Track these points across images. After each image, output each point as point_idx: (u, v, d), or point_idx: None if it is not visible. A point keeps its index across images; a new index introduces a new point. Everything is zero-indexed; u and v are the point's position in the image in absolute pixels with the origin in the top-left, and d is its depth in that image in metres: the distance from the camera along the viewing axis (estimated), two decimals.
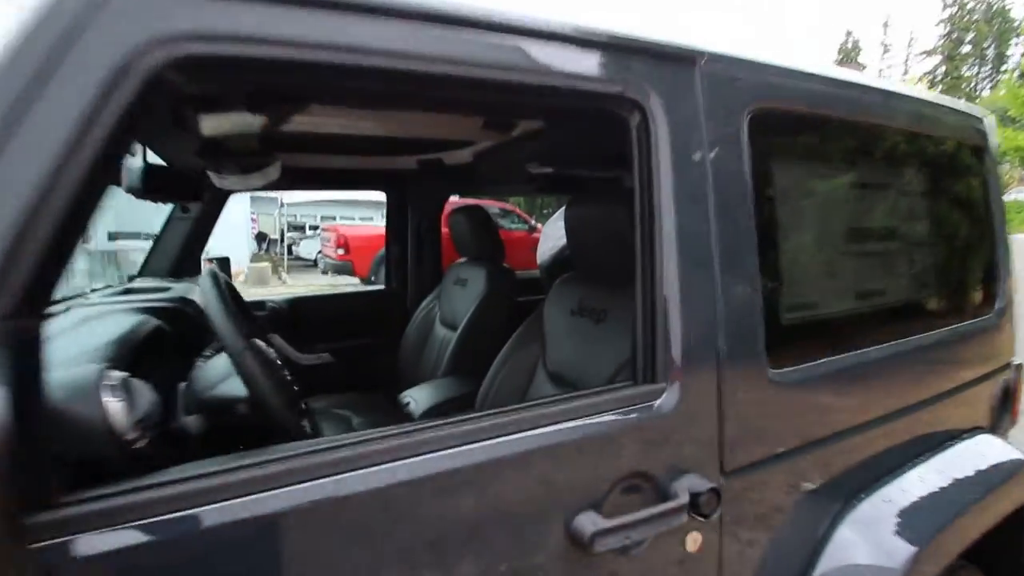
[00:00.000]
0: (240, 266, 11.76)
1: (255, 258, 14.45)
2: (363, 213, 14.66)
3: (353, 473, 0.59)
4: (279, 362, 0.97)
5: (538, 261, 2.74)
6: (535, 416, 0.70)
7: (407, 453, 0.62)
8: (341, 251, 8.12)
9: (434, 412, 1.50)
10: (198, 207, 1.88)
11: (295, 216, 16.97)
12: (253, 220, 16.89)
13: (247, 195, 14.95)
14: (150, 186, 1.30)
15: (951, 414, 1.22)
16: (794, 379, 0.94)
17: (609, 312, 1.25)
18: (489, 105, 1.13)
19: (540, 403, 0.74)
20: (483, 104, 1.16)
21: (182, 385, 0.90)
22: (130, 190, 1.28)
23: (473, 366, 1.83)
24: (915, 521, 0.98)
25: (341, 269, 8.14)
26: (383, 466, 0.60)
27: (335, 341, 2.23)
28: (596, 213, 1.24)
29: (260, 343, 0.96)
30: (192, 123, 0.96)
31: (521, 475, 0.69)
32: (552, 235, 2.75)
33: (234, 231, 13.38)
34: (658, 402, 0.79)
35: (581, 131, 1.33)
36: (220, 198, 1.92)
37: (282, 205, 15.14)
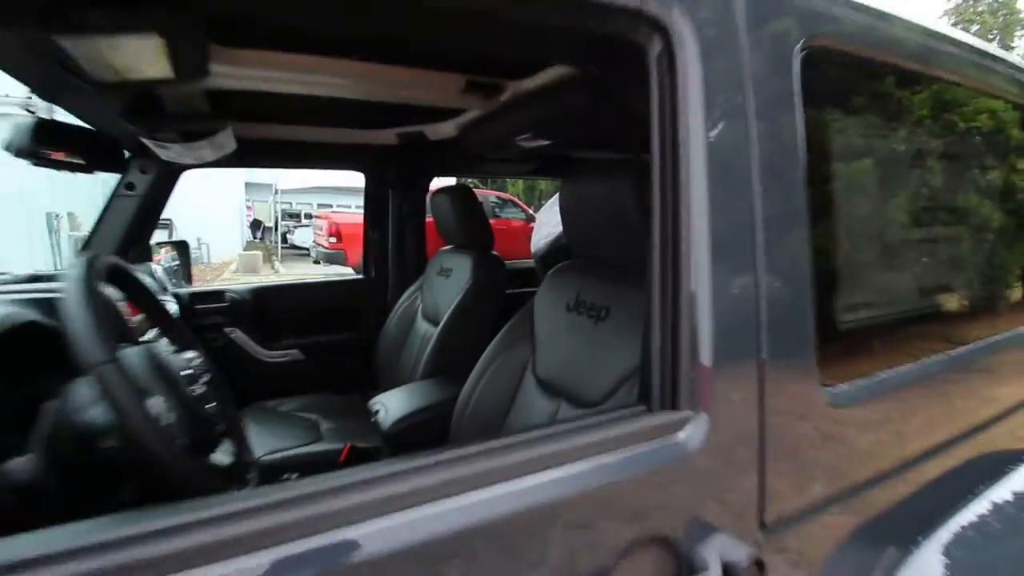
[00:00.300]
0: (233, 254, 11.55)
1: (249, 246, 14.21)
2: (360, 201, 14.31)
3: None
4: (197, 389, 0.76)
5: (532, 250, 2.51)
6: (503, 468, 0.49)
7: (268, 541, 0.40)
8: (333, 239, 7.88)
9: (405, 424, 1.29)
10: (145, 184, 1.65)
11: (290, 204, 16.69)
12: (248, 208, 16.63)
13: (241, 181, 14.79)
14: (41, 146, 1.06)
15: None
16: (854, 396, 0.73)
17: (612, 309, 1.04)
18: (473, 39, 0.90)
19: (513, 443, 0.53)
20: (466, 45, 0.93)
21: (52, 404, 0.69)
22: (14, 150, 1.05)
23: (456, 367, 1.62)
24: None
25: (333, 258, 7.90)
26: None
27: (306, 336, 2.02)
28: (598, 189, 1.03)
29: (164, 357, 0.74)
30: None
31: (481, 552, 0.48)
32: (548, 222, 2.53)
33: (228, 218, 13.16)
34: (680, 436, 0.58)
35: (581, 87, 1.10)
36: (170, 174, 1.70)
37: (276, 192, 14.87)
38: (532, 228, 2.86)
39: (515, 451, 0.51)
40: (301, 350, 1.98)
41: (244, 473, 0.82)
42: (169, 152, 1.45)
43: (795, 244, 0.67)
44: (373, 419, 1.35)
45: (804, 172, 0.67)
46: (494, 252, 1.79)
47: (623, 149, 1.50)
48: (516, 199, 10.22)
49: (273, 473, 1.38)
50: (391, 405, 1.36)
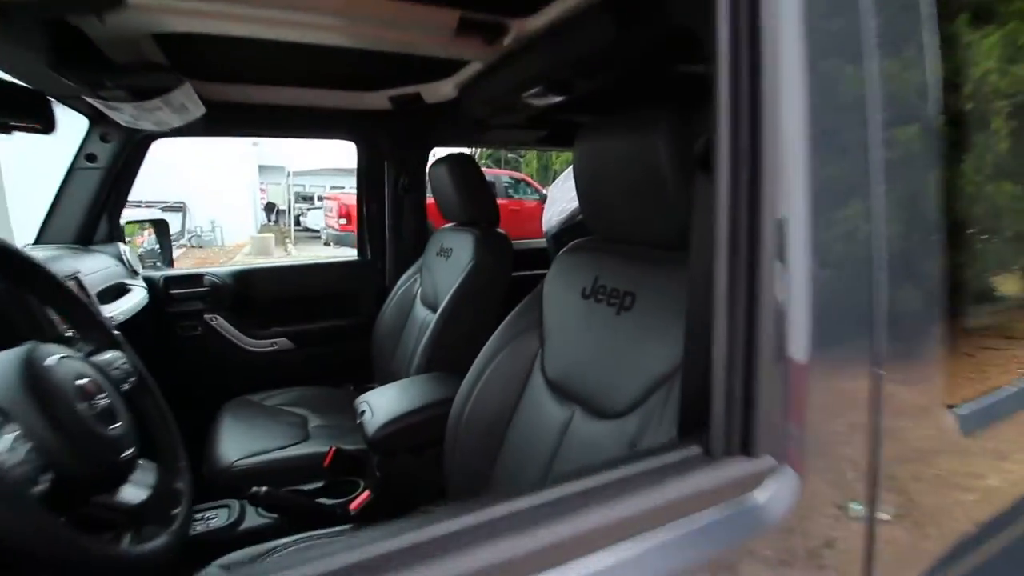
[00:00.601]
0: (247, 237, 11.50)
1: (263, 229, 14.18)
2: None
3: None
4: (98, 403, 0.57)
5: (544, 229, 2.29)
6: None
7: None
8: (343, 221, 7.73)
9: (392, 429, 1.11)
10: (108, 155, 1.47)
11: (303, 186, 16.59)
12: (262, 190, 16.59)
13: (255, 163, 14.69)
14: None
15: None
16: (983, 418, 0.52)
17: (639, 297, 0.83)
18: None
19: (494, 518, 0.33)
20: None
21: None
22: None
23: (454, 360, 1.43)
24: None
25: (343, 240, 7.76)
26: None
27: (295, 323, 1.84)
28: (623, 145, 0.81)
29: (40, 365, 0.55)
30: None
31: None
32: (561, 197, 2.30)
33: (242, 201, 13.12)
34: (759, 497, 0.38)
35: (604, 18, 0.88)
36: (136, 144, 1.51)
37: (289, 175, 14.77)
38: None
39: (499, 536, 0.32)
40: (290, 338, 1.81)
41: (167, 508, 0.64)
42: (123, 115, 1.26)
43: (926, 221, 0.45)
44: (358, 421, 1.17)
45: (937, 119, 0.45)
46: (500, 230, 1.58)
47: (657, 103, 1.26)
48: (530, 179, 9.93)
49: (247, 481, 1.21)
50: (378, 406, 1.18)
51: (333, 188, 14.90)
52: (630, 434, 0.76)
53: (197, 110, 1.36)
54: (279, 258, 9.73)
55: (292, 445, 1.37)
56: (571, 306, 0.96)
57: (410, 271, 1.81)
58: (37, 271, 0.67)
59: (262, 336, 1.77)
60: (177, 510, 0.64)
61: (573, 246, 1.04)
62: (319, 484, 1.27)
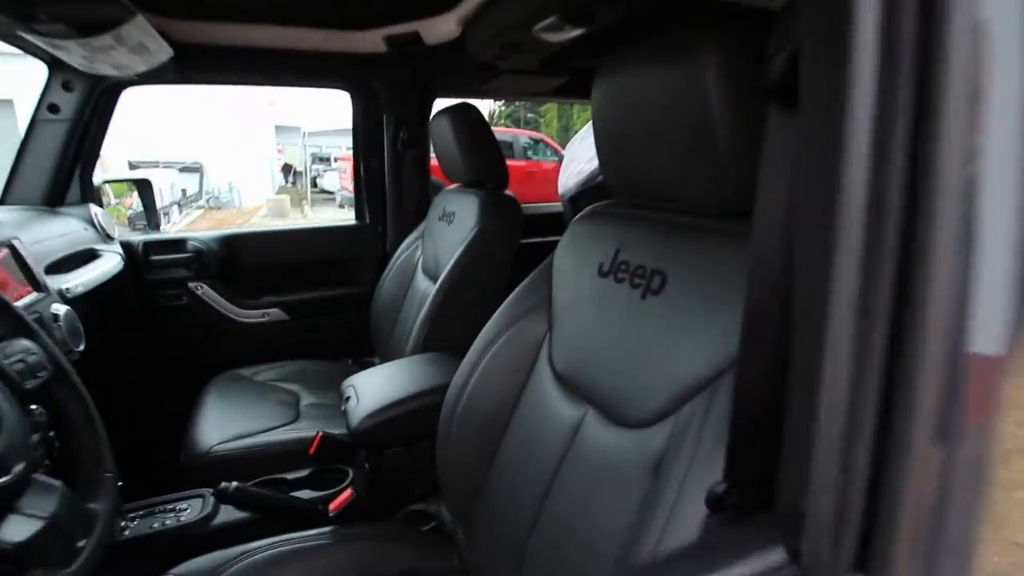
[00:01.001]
0: (264, 199, 11.45)
1: (281, 191, 14.11)
2: None
3: None
4: None
5: (560, 191, 2.08)
6: None
7: None
8: None
9: (377, 420, 0.97)
10: (72, 105, 1.32)
11: (320, 147, 16.39)
12: (279, 151, 16.44)
13: (271, 124, 14.47)
14: None
15: None
16: None
17: (671, 278, 0.65)
18: None
19: None
20: None
21: None
22: None
23: (455, 339, 1.29)
24: None
25: None
26: None
27: (289, 292, 1.71)
28: (657, 79, 0.62)
29: None
30: None
31: None
32: (580, 155, 2.09)
33: (261, 162, 13.03)
34: None
35: None
36: (103, 93, 1.35)
37: (305, 135, 14.56)
38: None
39: None
40: (283, 309, 1.68)
41: (68, 541, 0.51)
42: (74, 56, 1.09)
43: None
44: (343, 408, 1.04)
45: None
46: (508, 192, 1.40)
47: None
48: (550, 140, 9.54)
49: (225, 469, 1.11)
50: (364, 392, 1.04)
51: (349, 149, 14.66)
52: (654, 452, 0.60)
53: (161, 52, 1.19)
54: (294, 220, 9.68)
55: (279, 427, 1.26)
56: (585, 285, 0.79)
57: (411, 237, 1.65)
58: None
59: (253, 306, 1.65)
60: (83, 543, 0.52)
61: (590, 211, 0.86)
62: (304, 472, 1.16)
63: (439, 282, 1.30)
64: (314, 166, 15.10)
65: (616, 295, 0.72)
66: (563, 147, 9.17)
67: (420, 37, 1.41)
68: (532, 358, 0.87)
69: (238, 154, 11.90)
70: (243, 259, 1.64)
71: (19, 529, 0.47)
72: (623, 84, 0.68)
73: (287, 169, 16.19)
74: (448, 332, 1.28)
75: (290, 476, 1.15)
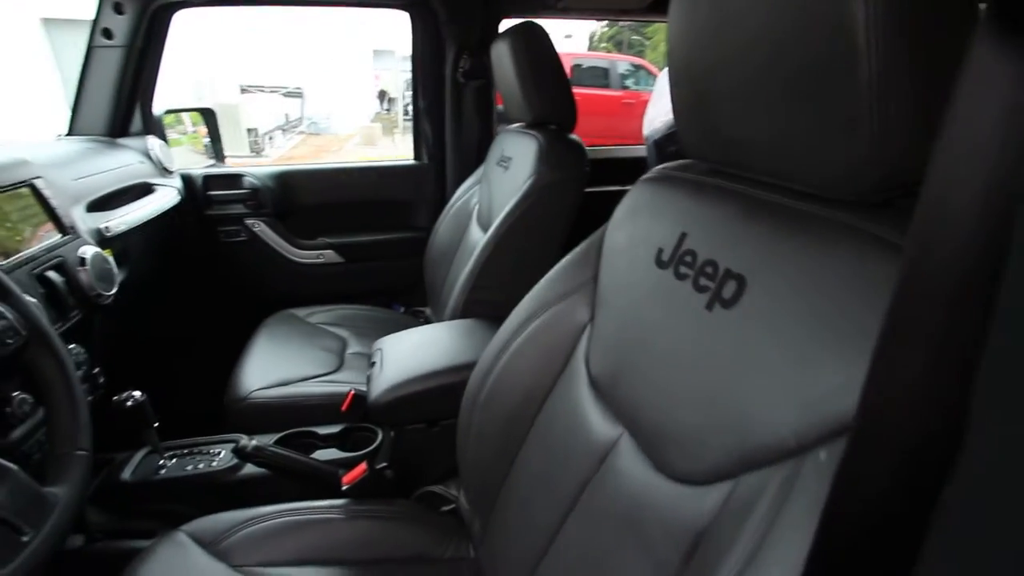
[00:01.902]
0: (358, 126, 11.71)
1: (377, 118, 14.35)
2: None
3: None
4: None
5: (644, 132, 1.79)
6: None
7: None
8: None
9: (396, 395, 0.88)
10: (125, 29, 1.27)
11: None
12: (376, 77, 16.57)
13: (370, 49, 14.49)
14: None
15: None
16: None
17: (753, 287, 0.45)
18: None
19: None
20: None
21: None
22: None
23: (498, 303, 1.15)
24: None
25: None
26: None
27: (343, 234, 1.66)
28: None
29: None
30: None
31: None
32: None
33: (360, 88, 13.24)
34: None
35: None
36: (154, 14, 1.29)
37: (401, 60, 14.45)
38: None
39: None
40: (337, 251, 1.64)
41: (8, 535, 0.46)
42: None
43: None
44: (367, 373, 0.97)
45: None
46: (572, 136, 1.18)
47: None
48: (653, 66, 8.63)
49: (260, 415, 1.11)
50: (389, 360, 0.96)
51: None
52: (695, 523, 0.44)
53: None
54: (382, 148, 9.83)
55: (320, 376, 1.23)
56: (637, 274, 0.60)
57: (470, 181, 1.50)
58: None
59: (309, 247, 1.61)
60: (28, 535, 0.47)
61: (658, 173, 0.66)
62: (335, 429, 1.13)
63: (486, 238, 1.16)
64: (407, 92, 15.08)
65: (674, 297, 0.54)
66: None
67: None
68: (568, 350, 0.71)
69: (337, 79, 12.13)
70: (298, 197, 1.60)
71: None
72: None
73: (381, 95, 16.34)
74: (491, 294, 1.15)
75: (321, 431, 1.12)
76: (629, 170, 1.78)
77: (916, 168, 0.27)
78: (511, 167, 1.24)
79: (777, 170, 0.46)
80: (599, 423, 0.62)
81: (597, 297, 0.69)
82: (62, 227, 0.87)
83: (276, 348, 1.32)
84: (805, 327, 0.40)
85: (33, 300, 0.74)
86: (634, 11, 1.55)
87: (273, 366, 1.23)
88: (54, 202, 0.87)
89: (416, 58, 1.55)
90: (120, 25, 1.26)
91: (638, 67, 8.29)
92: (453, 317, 1.17)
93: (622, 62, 8.33)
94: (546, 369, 0.73)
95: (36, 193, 0.84)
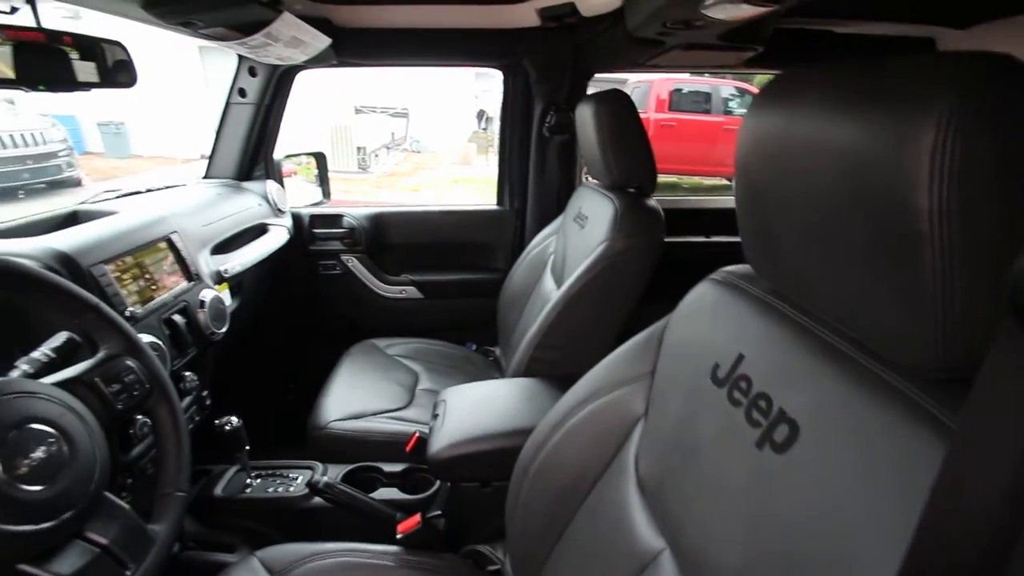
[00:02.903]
0: (459, 144, 12.28)
1: (473, 137, 14.96)
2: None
3: None
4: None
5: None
6: None
7: None
8: None
9: (453, 452, 0.92)
10: (256, 88, 1.46)
11: None
12: (476, 97, 17.31)
13: (473, 71, 15.17)
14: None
15: None
16: None
17: (806, 438, 0.43)
18: None
19: None
20: None
21: None
22: None
23: (564, 362, 1.16)
24: None
25: None
26: None
27: (424, 271, 1.76)
28: (848, 141, 0.38)
29: None
30: None
31: None
32: None
33: (461, 109, 13.90)
34: None
35: None
36: (282, 76, 1.47)
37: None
38: None
39: None
40: (418, 288, 1.74)
41: (114, 569, 0.56)
42: (243, 50, 1.18)
43: None
44: (430, 425, 1.02)
45: None
46: (651, 202, 1.17)
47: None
48: (756, 91, 8.20)
49: (336, 447, 1.20)
50: (452, 414, 1.00)
51: None
52: None
53: (317, 41, 1.22)
54: (475, 168, 10.19)
55: (391, 412, 1.32)
56: (693, 383, 0.59)
57: (547, 230, 1.53)
58: (30, 277, 0.60)
59: (393, 282, 1.73)
60: (130, 570, 0.56)
61: (723, 278, 0.64)
62: (399, 468, 1.19)
63: (555, 298, 1.17)
64: None
65: (726, 422, 0.52)
66: None
67: (576, 8, 1.21)
68: (619, 440, 0.71)
69: (439, 100, 12.81)
70: (388, 236, 1.72)
71: (71, 560, 0.53)
72: (783, 125, 0.44)
73: (480, 115, 17.00)
74: (555, 354, 1.16)
75: (386, 468, 1.20)
76: (721, 220, 1.71)
77: (976, 362, 0.25)
78: (587, 226, 1.25)
79: (841, 318, 0.44)
80: (644, 529, 0.61)
81: (653, 392, 0.68)
82: (188, 274, 1.02)
83: (355, 379, 1.42)
84: (850, 489, 0.38)
85: (158, 341, 0.88)
86: (732, 65, 1.51)
87: (352, 397, 1.33)
88: (184, 253, 1.02)
89: (506, 111, 1.62)
90: (252, 85, 1.45)
91: (744, 92, 7.92)
92: (517, 371, 1.19)
93: (726, 86, 8.00)
94: (597, 455, 0.73)
95: (171, 245, 1.00)
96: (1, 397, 0.50)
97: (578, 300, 1.14)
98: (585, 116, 1.18)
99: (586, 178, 1.57)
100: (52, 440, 0.52)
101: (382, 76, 11.79)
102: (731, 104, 7.90)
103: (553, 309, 1.15)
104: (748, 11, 0.77)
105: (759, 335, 0.52)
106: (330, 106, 10.94)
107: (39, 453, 0.50)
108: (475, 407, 1.03)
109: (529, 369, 1.18)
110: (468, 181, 8.73)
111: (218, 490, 1.10)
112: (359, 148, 9.71)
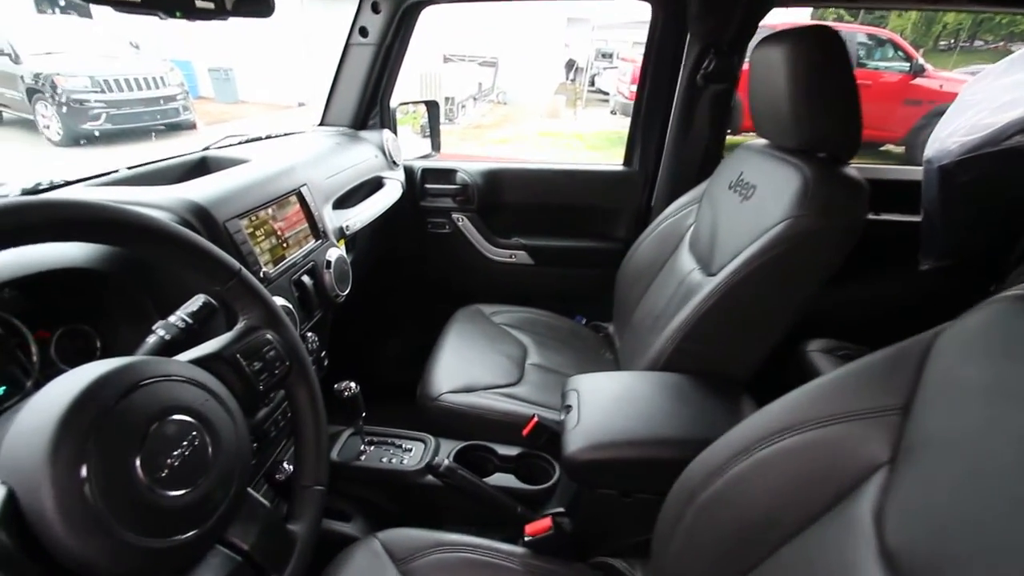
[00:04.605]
0: (543, 97, 11.83)
1: (560, 88, 14.34)
2: None
3: None
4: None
5: (927, 153, 1.38)
6: None
7: None
8: (634, 88, 7.02)
9: (594, 455, 0.80)
10: (378, 27, 1.34)
11: (606, 41, 15.73)
12: (566, 46, 16.46)
13: (564, 17, 14.38)
14: None
15: None
16: None
17: None
18: None
19: None
20: None
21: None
22: None
23: (715, 358, 0.98)
24: None
25: (630, 110, 7.13)
26: None
27: (537, 236, 1.62)
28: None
29: None
30: None
31: None
32: (984, 101, 1.31)
33: (548, 57, 13.33)
34: None
35: None
36: (405, 13, 1.34)
37: (593, 28, 14.10)
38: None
39: None
40: (529, 253, 1.60)
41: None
42: None
43: None
44: (560, 417, 0.90)
45: None
46: (850, 171, 0.93)
47: None
48: (898, 38, 7.03)
49: (448, 420, 1.13)
50: (589, 409, 0.87)
51: (636, 44, 13.65)
52: None
53: None
54: (563, 121, 9.77)
55: (502, 387, 1.23)
56: (1002, 440, 0.41)
57: (685, 198, 1.33)
58: (173, 237, 0.52)
59: (503, 245, 1.61)
60: None
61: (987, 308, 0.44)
62: (514, 452, 1.11)
63: (715, 282, 0.98)
64: (596, 62, 14.68)
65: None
66: (918, 49, 6.65)
67: None
68: (842, 490, 0.55)
69: (529, 48, 12.32)
70: (502, 194, 1.59)
71: (213, 571, 0.46)
72: None
73: (569, 65, 16.17)
74: (706, 349, 0.99)
75: (500, 450, 1.11)
76: (894, 196, 1.41)
77: None
78: (754, 197, 1.04)
79: None
80: None
81: (908, 437, 0.51)
82: (316, 232, 0.95)
83: (463, 348, 1.34)
84: None
85: (290, 307, 0.81)
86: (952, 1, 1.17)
87: (461, 368, 1.25)
88: (312, 208, 0.95)
89: (650, 53, 1.39)
90: (375, 23, 1.33)
91: (883, 40, 6.82)
92: (656, 363, 1.04)
93: (859, 32, 6.93)
94: (802, 499, 0.57)
95: (301, 199, 0.93)
96: (141, 384, 0.42)
97: (744, 287, 0.94)
98: (772, 59, 0.95)
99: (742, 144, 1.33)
100: (195, 433, 0.44)
101: (471, 22, 11.46)
102: (862, 55, 6.85)
103: (711, 296, 0.97)
104: None
105: None
106: (419, 53, 10.85)
107: (182, 450, 0.43)
108: (616, 405, 0.89)
109: (670, 362, 1.02)
110: (556, 135, 8.39)
111: (333, 454, 1.07)
112: (447, 99, 9.61)
